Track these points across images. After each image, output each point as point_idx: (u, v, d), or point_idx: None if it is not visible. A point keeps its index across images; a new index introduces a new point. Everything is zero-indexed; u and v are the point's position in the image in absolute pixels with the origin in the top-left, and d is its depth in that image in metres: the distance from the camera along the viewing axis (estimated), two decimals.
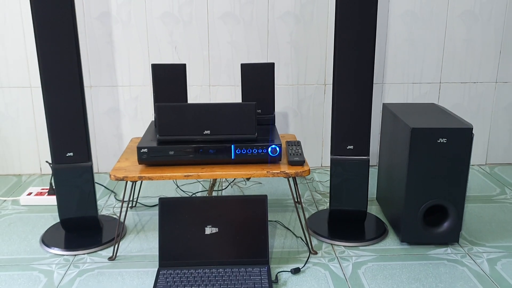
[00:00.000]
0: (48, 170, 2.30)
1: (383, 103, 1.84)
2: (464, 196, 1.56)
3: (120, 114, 2.26)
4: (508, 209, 1.92)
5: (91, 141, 2.28)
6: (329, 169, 2.35)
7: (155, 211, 1.91)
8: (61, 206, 1.65)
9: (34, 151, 2.28)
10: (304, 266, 1.51)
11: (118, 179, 1.49)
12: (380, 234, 1.69)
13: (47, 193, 1.99)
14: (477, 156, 2.42)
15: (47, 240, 1.66)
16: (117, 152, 2.31)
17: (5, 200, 2.02)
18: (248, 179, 2.22)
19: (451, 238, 1.61)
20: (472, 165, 2.41)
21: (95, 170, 2.33)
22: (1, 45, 2.14)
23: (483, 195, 2.06)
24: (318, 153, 2.37)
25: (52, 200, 1.96)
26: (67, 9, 1.49)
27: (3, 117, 2.23)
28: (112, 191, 2.11)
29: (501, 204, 1.96)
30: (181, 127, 1.54)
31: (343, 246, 1.64)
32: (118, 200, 2.02)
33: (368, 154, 1.64)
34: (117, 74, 2.20)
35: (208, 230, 1.46)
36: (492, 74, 2.30)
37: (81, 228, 1.69)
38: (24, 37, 2.13)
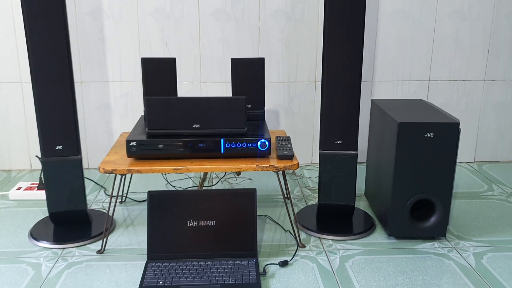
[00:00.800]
0: (38, 165, 2.29)
1: (371, 99, 1.86)
2: (451, 190, 1.58)
3: (111, 110, 2.26)
4: (495, 205, 1.94)
5: (81, 137, 2.28)
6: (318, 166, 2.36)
7: (145, 206, 1.91)
8: (50, 200, 1.65)
9: (24, 146, 2.27)
10: (292, 259, 1.52)
11: (107, 172, 1.49)
12: (367, 228, 1.70)
13: (36, 188, 1.99)
14: (465, 153, 2.44)
15: (36, 233, 1.66)
16: (107, 148, 2.31)
17: None
18: (238, 174, 2.23)
19: (438, 232, 1.63)
20: (461, 162, 2.44)
21: (85, 165, 2.32)
22: None
23: (471, 191, 2.08)
24: (309, 150, 2.39)
25: (42, 194, 1.96)
26: (58, 4, 1.49)
27: None
28: (102, 186, 2.11)
29: (488, 200, 1.99)
30: (171, 121, 1.55)
31: (331, 239, 1.65)
32: (107, 195, 2.02)
33: (356, 149, 1.65)
34: (108, 70, 2.21)
35: (197, 223, 1.46)
36: (481, 72, 2.33)
37: (70, 222, 1.69)
38: (15, 32, 2.13)
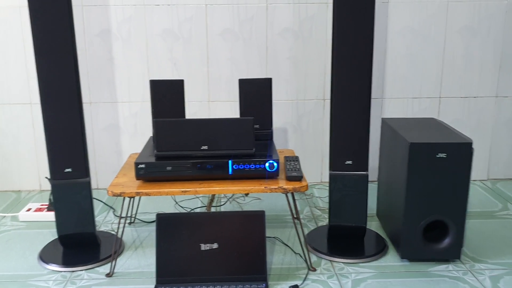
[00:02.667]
0: (48, 186, 2.30)
1: (382, 118, 1.84)
2: (465, 211, 1.55)
3: (120, 130, 2.26)
4: (510, 225, 1.90)
5: (90, 157, 2.29)
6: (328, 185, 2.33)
7: (153, 227, 1.90)
8: (59, 222, 1.65)
9: (34, 167, 2.28)
10: (303, 283, 1.49)
11: (116, 195, 1.48)
12: (380, 250, 1.67)
13: (46, 209, 1.99)
14: (478, 171, 2.40)
15: (45, 256, 1.65)
16: (117, 168, 2.31)
17: (4, 216, 2.01)
18: (246, 194, 2.21)
19: (453, 254, 1.59)
20: (474, 180, 2.40)
21: (94, 186, 2.32)
22: (2, 62, 2.16)
23: (485, 210, 2.04)
24: (318, 168, 2.36)
25: (51, 216, 1.95)
26: (66, 26, 1.50)
27: (3, 134, 2.24)
28: (111, 207, 2.10)
29: (504, 220, 1.94)
30: (179, 143, 1.54)
31: (342, 262, 1.62)
32: (116, 216, 2.01)
33: (367, 170, 1.63)
34: (116, 91, 2.22)
35: (206, 246, 1.45)
36: (492, 88, 2.30)
37: (79, 244, 1.68)
38: (25, 54, 2.15)
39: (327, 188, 2.31)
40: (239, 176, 1.54)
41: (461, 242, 1.57)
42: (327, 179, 2.38)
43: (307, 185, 1.51)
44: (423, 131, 1.63)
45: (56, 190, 1.61)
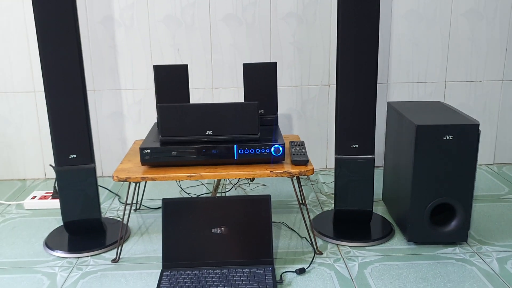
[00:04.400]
0: (52, 174, 2.30)
1: (388, 102, 1.82)
2: (472, 194, 1.54)
3: (124, 118, 2.26)
4: None
5: (95, 145, 2.28)
6: (333, 170, 2.33)
7: (159, 214, 1.90)
8: (65, 209, 1.65)
9: (38, 155, 2.28)
10: (309, 266, 1.49)
11: (121, 180, 1.48)
12: (386, 234, 1.66)
13: (51, 197, 1.99)
14: (485, 155, 2.39)
15: (51, 243, 1.65)
16: (121, 156, 2.31)
17: (9, 204, 2.01)
18: (252, 180, 2.20)
19: (459, 237, 1.58)
20: (480, 164, 2.38)
21: (99, 173, 2.32)
22: (5, 50, 2.15)
23: (491, 194, 2.03)
24: (323, 154, 2.35)
25: (56, 203, 1.95)
26: (69, 13, 1.49)
27: (7, 122, 2.23)
28: (116, 194, 2.10)
29: (510, 203, 1.93)
30: (184, 128, 1.53)
31: (349, 246, 1.61)
32: (122, 203, 2.01)
33: (373, 153, 1.62)
34: (120, 78, 2.20)
35: (212, 231, 1.44)
36: (498, 72, 2.27)
37: (84, 230, 1.68)
38: (28, 42, 2.14)
39: (332, 174, 2.30)
40: (245, 161, 1.53)
41: (468, 224, 1.57)
42: (332, 165, 2.37)
43: (313, 169, 1.50)
44: (430, 114, 1.62)
45: (61, 177, 1.61)
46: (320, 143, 2.33)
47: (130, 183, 1.54)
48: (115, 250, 1.61)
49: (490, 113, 2.32)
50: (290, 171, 1.49)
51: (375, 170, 2.32)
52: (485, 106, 2.31)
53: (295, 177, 1.52)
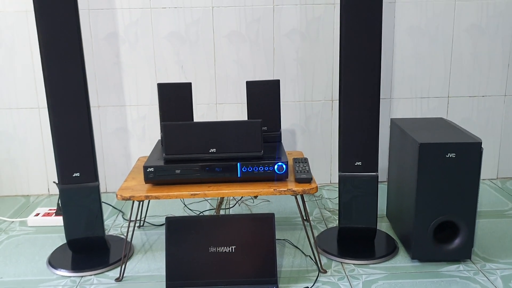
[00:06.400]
0: (56, 190, 2.30)
1: (391, 119, 1.83)
2: (475, 211, 1.53)
3: (128, 134, 2.27)
4: None
5: (99, 161, 2.29)
6: (337, 186, 2.33)
7: (163, 230, 1.90)
8: (68, 227, 1.65)
9: (42, 171, 2.29)
10: (313, 285, 1.49)
11: (125, 199, 1.48)
12: (390, 251, 1.66)
13: (54, 214, 1.99)
14: (488, 170, 2.38)
15: (54, 261, 1.65)
16: (125, 172, 2.31)
17: (13, 221, 2.02)
18: (255, 197, 2.20)
19: (463, 254, 1.58)
20: (483, 179, 2.38)
21: (103, 189, 2.33)
22: (10, 66, 2.17)
23: (494, 210, 2.02)
24: (327, 169, 2.35)
25: (60, 220, 1.96)
26: (73, 31, 1.50)
27: (11, 138, 2.24)
28: (120, 211, 2.10)
29: None
30: (188, 146, 1.54)
31: (353, 264, 1.61)
32: (126, 219, 2.01)
33: (376, 171, 1.62)
34: (124, 94, 2.22)
35: (215, 249, 1.44)
36: (501, 87, 2.28)
37: (88, 248, 1.68)
38: (32, 58, 2.16)
39: (337, 189, 2.30)
40: (248, 179, 1.54)
41: (472, 242, 1.56)
42: (336, 180, 2.37)
43: (316, 187, 1.50)
44: (432, 131, 1.62)
45: (64, 195, 1.61)
46: (324, 158, 2.34)
47: (133, 201, 1.55)
48: (119, 268, 1.60)
49: (493, 128, 2.32)
50: (293, 189, 1.49)
51: (379, 185, 2.32)
52: (488, 120, 2.31)
53: (298, 195, 1.52)
